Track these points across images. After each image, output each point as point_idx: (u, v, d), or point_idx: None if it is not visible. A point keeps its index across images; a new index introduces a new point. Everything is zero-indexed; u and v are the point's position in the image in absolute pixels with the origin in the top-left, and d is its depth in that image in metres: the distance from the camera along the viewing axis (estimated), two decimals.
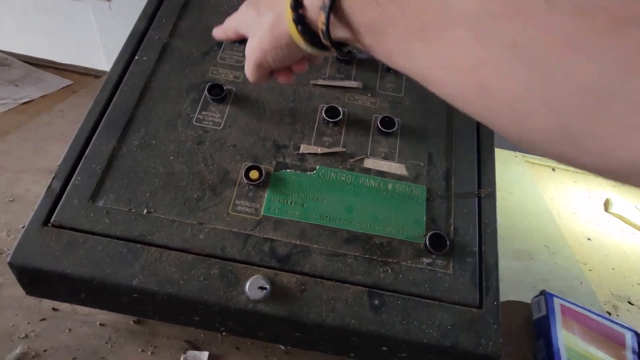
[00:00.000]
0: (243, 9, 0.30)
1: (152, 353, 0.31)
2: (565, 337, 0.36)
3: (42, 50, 0.70)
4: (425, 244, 0.31)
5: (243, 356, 0.32)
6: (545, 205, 0.57)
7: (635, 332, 0.38)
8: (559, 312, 0.38)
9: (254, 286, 0.28)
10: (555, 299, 0.39)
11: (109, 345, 0.31)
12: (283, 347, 0.34)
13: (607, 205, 0.61)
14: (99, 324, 0.32)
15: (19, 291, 0.31)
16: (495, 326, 0.29)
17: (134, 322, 0.33)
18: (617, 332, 0.38)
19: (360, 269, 0.30)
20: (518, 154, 0.68)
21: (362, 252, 0.31)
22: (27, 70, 0.64)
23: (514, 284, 0.43)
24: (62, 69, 0.67)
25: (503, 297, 0.42)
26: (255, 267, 0.29)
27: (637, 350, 0.36)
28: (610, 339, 0.37)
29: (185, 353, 0.31)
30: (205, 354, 0.32)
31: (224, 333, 0.31)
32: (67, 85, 0.61)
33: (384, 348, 0.29)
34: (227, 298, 0.28)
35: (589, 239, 0.55)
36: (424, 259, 0.31)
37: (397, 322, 0.28)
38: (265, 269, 0.29)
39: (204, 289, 0.28)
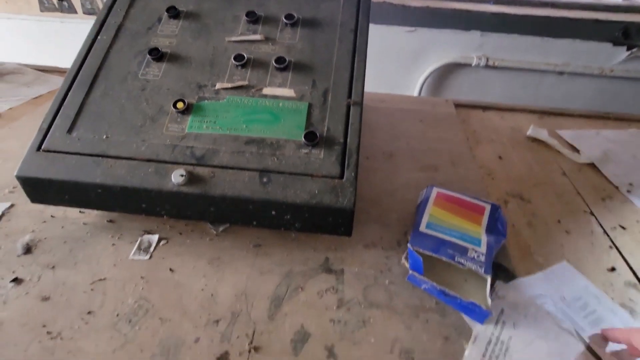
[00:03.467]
0: None
1: (118, 238, 0.44)
2: (432, 210, 0.45)
3: (48, 59, 0.86)
4: (303, 139, 0.42)
5: (184, 238, 0.44)
6: (463, 136, 0.66)
7: (495, 205, 0.46)
8: (434, 195, 0.47)
9: (176, 175, 0.40)
10: (434, 188, 0.49)
11: (89, 235, 0.44)
12: (214, 231, 0.45)
13: (528, 132, 0.69)
14: (83, 223, 0.45)
15: (28, 206, 0.44)
16: (351, 189, 0.40)
17: (108, 221, 0.46)
18: (480, 205, 0.47)
19: (254, 160, 0.41)
20: (449, 99, 0.77)
21: (257, 149, 0.42)
22: (37, 75, 0.81)
23: (415, 188, 0.53)
24: (65, 72, 0.82)
25: (402, 198, 0.52)
26: (180, 165, 0.41)
27: (494, 216, 0.45)
28: (472, 210, 0.46)
29: (141, 237, 0.44)
30: (156, 237, 0.44)
31: (165, 217, 0.43)
32: None
33: (273, 212, 0.40)
34: (160, 185, 0.40)
35: (500, 157, 0.63)
36: (303, 150, 0.42)
37: (279, 191, 0.40)
38: (187, 165, 0.41)
39: (144, 181, 0.40)
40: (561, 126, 0.72)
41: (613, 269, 0.45)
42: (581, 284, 0.43)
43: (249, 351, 0.34)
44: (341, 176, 0.41)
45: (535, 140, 0.68)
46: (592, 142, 0.67)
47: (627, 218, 0.53)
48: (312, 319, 0.37)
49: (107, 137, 0.43)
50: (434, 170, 0.58)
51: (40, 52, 1.24)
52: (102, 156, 0.42)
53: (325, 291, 0.40)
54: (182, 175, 0.40)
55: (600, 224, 0.51)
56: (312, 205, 0.39)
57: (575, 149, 0.66)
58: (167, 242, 0.44)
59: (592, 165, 0.62)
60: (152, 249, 0.43)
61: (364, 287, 0.40)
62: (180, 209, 0.42)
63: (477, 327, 0.37)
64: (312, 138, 0.42)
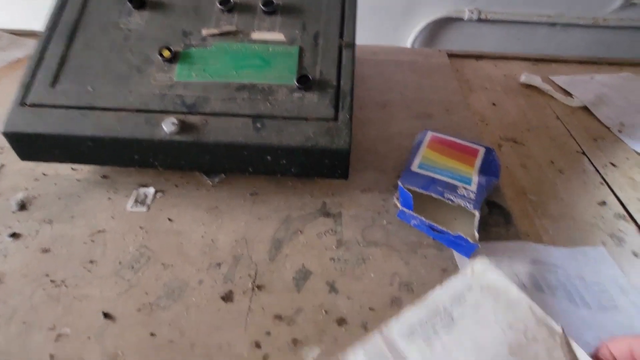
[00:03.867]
0: None
1: (113, 192, 0.43)
2: (425, 152, 0.46)
3: (24, 23, 0.82)
4: (295, 83, 0.41)
5: (180, 190, 0.44)
6: (457, 85, 0.65)
7: (489, 148, 0.47)
8: (428, 138, 0.47)
9: (168, 123, 0.39)
10: (429, 131, 0.49)
11: (83, 190, 0.44)
12: (210, 182, 0.45)
13: (521, 79, 0.68)
14: (76, 179, 0.45)
15: (18, 165, 0.43)
16: (346, 130, 0.39)
17: (101, 177, 0.45)
18: (474, 148, 0.47)
19: (247, 106, 0.41)
20: (442, 49, 0.76)
21: (249, 95, 0.41)
22: (12, 39, 0.77)
23: (409, 136, 0.52)
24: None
25: (398, 145, 0.52)
26: (170, 114, 0.40)
27: (487, 158, 0.45)
28: (465, 153, 0.46)
29: (137, 190, 0.44)
30: (151, 189, 0.44)
31: (159, 169, 0.43)
32: None
33: (269, 157, 0.40)
34: (152, 134, 0.39)
35: (493, 104, 0.63)
36: (295, 94, 0.41)
37: (274, 135, 0.39)
38: (178, 114, 0.40)
39: (135, 131, 0.40)
40: (554, 72, 0.72)
41: (604, 203, 0.46)
42: (610, 272, 0.38)
43: (253, 289, 0.35)
44: (335, 118, 0.40)
45: (528, 86, 0.67)
46: (585, 87, 0.67)
47: (618, 156, 0.53)
48: (313, 259, 0.38)
49: (92, 89, 0.42)
50: (428, 117, 0.57)
51: (13, 17, 1.18)
52: (90, 108, 0.41)
53: (324, 233, 0.40)
54: (173, 124, 0.39)
55: (592, 163, 0.52)
56: (307, 148, 0.39)
57: (569, 94, 0.66)
58: (164, 194, 0.44)
59: (584, 109, 0.62)
60: (148, 201, 0.43)
61: (362, 228, 0.41)
62: (174, 159, 0.42)
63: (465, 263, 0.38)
64: (304, 81, 0.41)
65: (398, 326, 0.34)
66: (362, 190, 0.45)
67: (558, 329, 0.30)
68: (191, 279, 0.36)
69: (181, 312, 0.33)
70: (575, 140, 0.56)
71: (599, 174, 0.51)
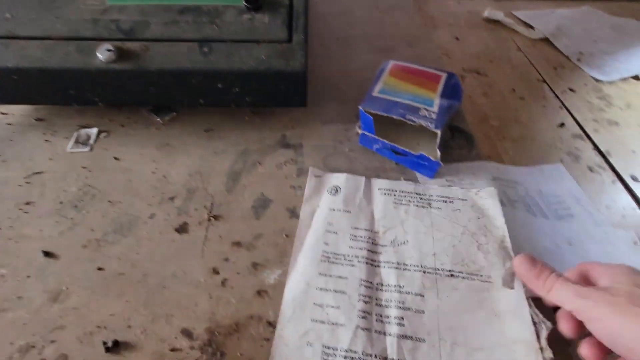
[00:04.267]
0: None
1: (51, 134, 0.40)
2: (387, 79, 0.44)
3: None
4: (243, 3, 0.38)
5: (127, 129, 0.41)
6: (421, 21, 0.63)
7: (452, 73, 0.46)
8: (390, 66, 0.46)
9: (103, 51, 0.35)
10: (391, 61, 0.47)
11: (16, 134, 0.39)
12: (160, 120, 0.42)
13: (484, 14, 0.67)
14: (6, 124, 0.40)
15: None
16: (302, 52, 0.37)
17: (36, 120, 0.41)
18: (436, 74, 0.46)
19: (191, 30, 0.37)
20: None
21: (193, 18, 0.38)
22: None
23: (372, 69, 0.51)
24: None
25: (360, 78, 0.50)
26: (106, 41, 0.36)
27: (450, 83, 0.45)
28: (428, 79, 0.45)
29: (77, 132, 0.40)
30: (94, 130, 0.40)
31: (101, 105, 0.39)
32: None
33: (220, 85, 0.37)
34: (86, 63, 0.36)
35: (457, 38, 0.62)
36: (245, 16, 0.38)
37: (223, 60, 0.36)
38: (114, 41, 0.36)
39: (66, 60, 0.36)
40: (517, 8, 0.71)
41: (562, 125, 0.47)
42: (566, 185, 0.40)
43: (209, 220, 0.33)
44: (289, 40, 0.37)
45: (491, 21, 0.66)
46: (546, 20, 0.67)
47: (576, 82, 0.54)
48: (272, 188, 0.36)
49: (11, 16, 0.37)
50: (390, 51, 0.55)
51: None
52: (10, 37, 0.36)
53: (284, 163, 0.39)
54: (109, 50, 0.35)
55: (552, 89, 0.52)
56: (260, 72, 0.36)
57: (530, 27, 0.65)
58: (108, 134, 0.40)
59: (545, 40, 0.62)
60: (91, 141, 0.39)
61: (324, 157, 0.40)
62: (116, 92, 0.38)
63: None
64: (253, 1, 0.37)
65: (381, 182, 0.38)
66: (323, 122, 0.44)
67: (511, 261, 0.31)
68: (142, 214, 0.33)
69: (132, 245, 0.31)
70: (536, 69, 0.56)
71: (559, 99, 0.51)
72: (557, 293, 0.25)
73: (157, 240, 0.31)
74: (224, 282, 0.29)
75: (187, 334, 0.26)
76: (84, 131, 0.40)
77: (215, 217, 0.33)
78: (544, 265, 0.27)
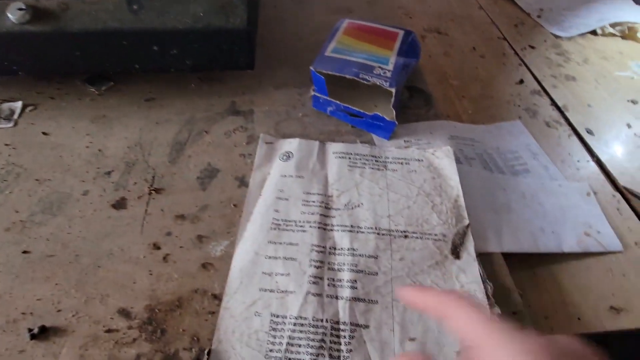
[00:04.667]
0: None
1: None
2: (341, 37, 0.42)
3: None
4: None
5: (57, 102, 0.37)
6: None
7: (409, 30, 0.44)
8: (344, 25, 0.44)
9: (13, 10, 0.31)
10: (346, 19, 0.45)
11: None
12: (95, 91, 0.38)
13: None
14: None
15: None
16: (243, 7, 0.34)
17: None
18: (392, 32, 0.44)
19: None
20: None
21: None
22: None
23: (327, 31, 0.48)
24: None
25: (315, 40, 0.48)
26: (16, 1, 0.32)
27: (406, 41, 0.43)
28: (383, 37, 0.43)
29: None
30: (19, 103, 0.36)
31: (21, 74, 0.35)
32: None
33: (155, 47, 0.34)
34: None
35: None
36: None
37: (155, 18, 0.33)
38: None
39: None
40: None
41: (521, 81, 0.46)
42: (523, 141, 0.39)
43: (150, 194, 0.31)
44: None
45: None
46: None
47: (536, 39, 0.53)
48: (220, 157, 0.34)
49: None
50: (347, 12, 0.52)
51: None
52: None
53: (233, 131, 0.36)
54: (21, 10, 0.31)
55: (512, 46, 0.51)
56: (198, 30, 0.33)
57: None
58: (35, 108, 0.36)
59: None
60: (15, 116, 0.35)
61: (276, 123, 0.37)
62: (36, 60, 0.34)
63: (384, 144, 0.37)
64: None
65: (335, 146, 0.36)
66: (275, 87, 0.41)
67: (466, 222, 0.30)
68: (74, 191, 0.30)
69: (62, 225, 0.28)
70: (497, 27, 0.55)
71: (518, 56, 0.50)
72: None
73: (91, 218, 0.29)
74: (165, 258, 0.27)
75: (125, 313, 0.24)
76: (6, 105, 0.36)
77: (157, 191, 0.31)
78: None
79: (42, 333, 0.23)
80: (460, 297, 0.18)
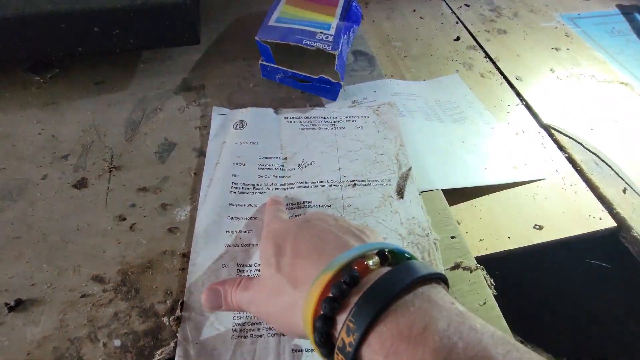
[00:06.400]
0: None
1: None
2: (284, 7, 0.43)
3: None
4: None
5: (1, 93, 0.37)
6: None
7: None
8: None
9: None
10: None
11: None
12: (40, 79, 0.38)
13: None
14: None
15: None
16: None
17: None
18: None
19: None
20: None
21: None
22: None
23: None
24: None
25: (262, 12, 0.48)
26: None
27: (347, 6, 0.45)
28: (324, 4, 0.45)
29: None
30: None
31: None
32: None
33: (96, 28, 0.34)
34: None
35: None
36: None
37: None
38: None
39: None
40: None
41: (458, 39, 0.49)
42: (461, 92, 0.42)
43: (110, 171, 0.32)
44: None
45: None
46: None
47: None
48: (176, 131, 0.35)
49: None
50: None
51: None
52: None
53: (187, 106, 0.37)
54: None
55: (449, 6, 0.54)
56: (137, 7, 0.34)
57: None
58: None
59: None
60: None
61: (228, 94, 0.39)
62: None
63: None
64: None
65: (287, 112, 0.38)
66: (226, 60, 0.42)
67: (409, 166, 0.33)
68: (33, 176, 0.31)
69: (24, 209, 0.29)
70: None
71: (455, 14, 0.53)
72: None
73: (53, 199, 0.30)
74: (132, 227, 0.29)
75: (99, 279, 0.26)
76: None
77: (117, 168, 0.32)
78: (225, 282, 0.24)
79: (19, 305, 0.24)
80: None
